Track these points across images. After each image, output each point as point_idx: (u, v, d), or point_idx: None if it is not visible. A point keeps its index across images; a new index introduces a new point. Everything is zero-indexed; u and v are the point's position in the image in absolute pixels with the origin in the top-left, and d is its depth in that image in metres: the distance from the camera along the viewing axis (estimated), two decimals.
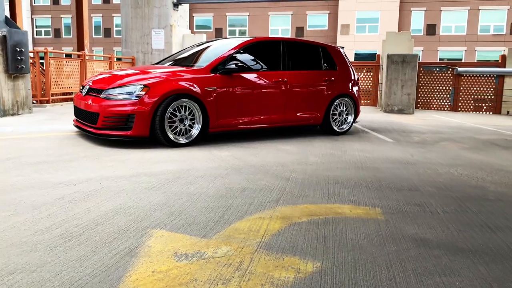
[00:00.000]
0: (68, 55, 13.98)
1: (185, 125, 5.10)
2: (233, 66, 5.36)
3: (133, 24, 13.17)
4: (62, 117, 7.30)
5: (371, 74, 12.87)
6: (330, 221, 2.68)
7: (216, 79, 5.30)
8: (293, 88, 6.04)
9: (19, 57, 6.86)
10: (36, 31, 39.82)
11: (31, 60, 8.88)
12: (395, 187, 3.64)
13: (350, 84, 6.82)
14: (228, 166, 4.16)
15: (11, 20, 7.03)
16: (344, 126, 6.78)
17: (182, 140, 5.06)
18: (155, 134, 4.87)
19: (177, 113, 5.00)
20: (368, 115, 10.17)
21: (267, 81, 5.80)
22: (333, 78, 6.53)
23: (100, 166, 3.96)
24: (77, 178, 3.46)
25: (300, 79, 6.15)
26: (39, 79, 8.92)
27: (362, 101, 12.81)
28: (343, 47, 7.24)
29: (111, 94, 4.87)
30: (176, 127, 5.02)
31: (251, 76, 5.66)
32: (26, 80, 7.30)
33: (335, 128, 6.65)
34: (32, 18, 39.48)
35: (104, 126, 4.86)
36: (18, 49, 6.85)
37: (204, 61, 5.59)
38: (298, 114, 6.19)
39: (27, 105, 7.41)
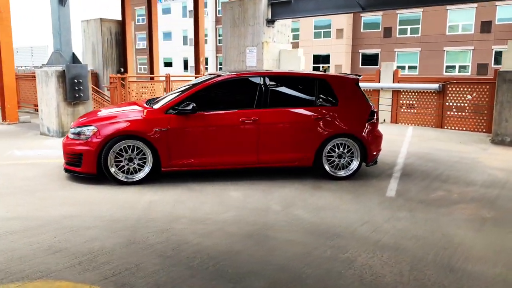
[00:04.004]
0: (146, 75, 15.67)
1: (133, 164, 5.32)
2: (188, 107, 5.31)
3: (231, 42, 13.91)
4: None
5: (487, 93, 10.41)
6: None
7: (169, 119, 5.33)
8: (267, 128, 5.56)
9: (77, 87, 8.23)
10: (219, 39, 45.42)
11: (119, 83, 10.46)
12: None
13: (358, 122, 5.83)
14: (113, 218, 4.21)
15: (76, 57, 8.50)
16: (342, 172, 5.82)
17: (124, 179, 5.29)
18: (102, 171, 5.25)
19: (124, 153, 5.26)
20: (457, 148, 8.26)
21: (232, 121, 5.49)
22: (328, 116, 5.71)
23: (19, 203, 4.57)
24: None
25: (277, 118, 5.62)
26: (120, 96, 10.47)
27: (474, 128, 10.50)
28: (360, 76, 6.16)
29: (72, 133, 5.48)
30: (123, 166, 5.29)
31: (212, 116, 5.48)
32: (87, 106, 8.69)
33: (330, 172, 5.80)
34: (216, 28, 45.07)
35: (66, 161, 5.52)
36: (77, 81, 8.22)
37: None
38: (274, 155, 5.66)
39: None
